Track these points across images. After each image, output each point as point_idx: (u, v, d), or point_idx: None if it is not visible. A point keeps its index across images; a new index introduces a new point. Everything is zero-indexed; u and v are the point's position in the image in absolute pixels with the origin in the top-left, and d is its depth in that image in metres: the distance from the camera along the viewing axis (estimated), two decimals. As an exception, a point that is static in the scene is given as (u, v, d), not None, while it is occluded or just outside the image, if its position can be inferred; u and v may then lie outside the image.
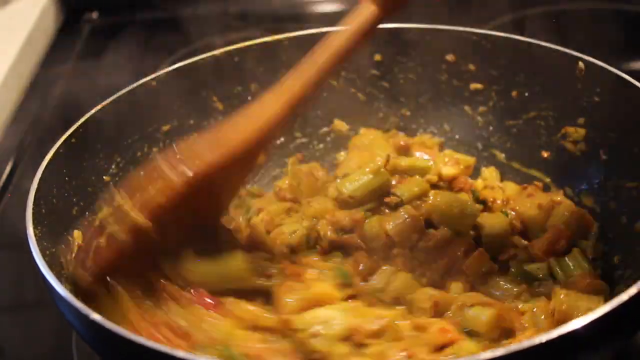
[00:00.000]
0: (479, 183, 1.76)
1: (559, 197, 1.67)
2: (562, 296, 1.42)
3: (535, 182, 1.75)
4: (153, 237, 1.36)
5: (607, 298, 1.41)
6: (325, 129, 1.89)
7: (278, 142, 1.86)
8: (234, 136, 1.41)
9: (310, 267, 1.49)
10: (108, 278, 1.35)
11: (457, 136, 1.87)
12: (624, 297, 1.16)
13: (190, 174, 1.35)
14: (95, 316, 1.19)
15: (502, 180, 1.79)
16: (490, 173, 1.79)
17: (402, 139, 1.82)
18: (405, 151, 1.79)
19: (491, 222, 1.59)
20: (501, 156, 1.82)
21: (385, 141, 1.82)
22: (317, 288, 1.43)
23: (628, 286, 1.18)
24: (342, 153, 1.87)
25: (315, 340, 1.32)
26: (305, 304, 1.39)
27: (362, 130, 1.86)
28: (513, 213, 1.63)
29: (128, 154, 1.67)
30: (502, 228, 1.59)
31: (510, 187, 1.75)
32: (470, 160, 1.78)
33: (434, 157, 1.77)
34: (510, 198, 1.70)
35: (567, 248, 1.56)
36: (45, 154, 1.49)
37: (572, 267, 1.52)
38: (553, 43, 1.66)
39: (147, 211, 1.35)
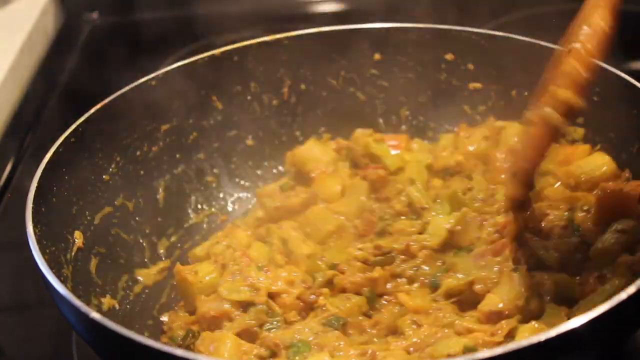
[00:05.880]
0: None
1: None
2: None
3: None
4: None
5: None
6: (322, 128, 1.89)
7: (278, 141, 1.87)
8: None
9: None
10: None
11: (456, 135, 1.86)
12: (622, 295, 1.16)
13: None
14: (95, 315, 1.20)
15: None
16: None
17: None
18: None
19: None
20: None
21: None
22: None
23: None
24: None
25: None
26: None
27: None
28: None
29: (127, 153, 1.67)
30: None
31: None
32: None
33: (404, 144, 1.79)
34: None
35: None
36: (45, 153, 1.49)
37: None
38: (552, 43, 1.65)
39: None
